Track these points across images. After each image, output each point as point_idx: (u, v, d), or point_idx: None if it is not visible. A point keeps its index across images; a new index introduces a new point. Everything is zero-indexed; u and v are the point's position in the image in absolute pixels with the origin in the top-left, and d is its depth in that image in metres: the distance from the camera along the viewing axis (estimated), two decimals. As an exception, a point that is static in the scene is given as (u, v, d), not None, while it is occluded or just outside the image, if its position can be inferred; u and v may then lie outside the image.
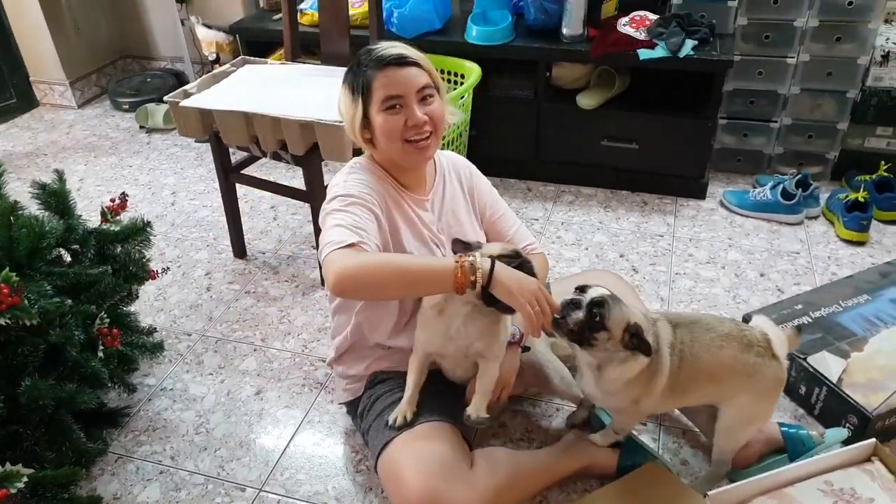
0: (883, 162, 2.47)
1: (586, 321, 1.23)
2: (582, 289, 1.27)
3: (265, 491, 1.54)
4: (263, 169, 2.81)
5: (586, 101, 2.52)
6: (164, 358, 1.92)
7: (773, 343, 1.36)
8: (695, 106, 2.49)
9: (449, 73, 2.57)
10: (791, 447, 1.46)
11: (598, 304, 1.23)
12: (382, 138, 1.35)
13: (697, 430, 1.60)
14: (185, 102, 1.92)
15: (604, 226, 2.46)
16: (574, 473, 1.49)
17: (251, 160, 2.30)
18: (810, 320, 1.77)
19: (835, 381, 1.59)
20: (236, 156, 2.35)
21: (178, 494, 1.54)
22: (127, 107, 3.41)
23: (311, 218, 2.10)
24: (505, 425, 1.67)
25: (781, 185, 2.45)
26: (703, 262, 2.25)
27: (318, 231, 2.08)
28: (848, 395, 1.56)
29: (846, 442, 1.49)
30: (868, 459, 1.42)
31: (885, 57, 2.41)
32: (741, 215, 2.50)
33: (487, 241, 1.52)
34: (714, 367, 1.35)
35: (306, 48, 2.59)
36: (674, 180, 2.60)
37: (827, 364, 1.63)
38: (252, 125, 1.89)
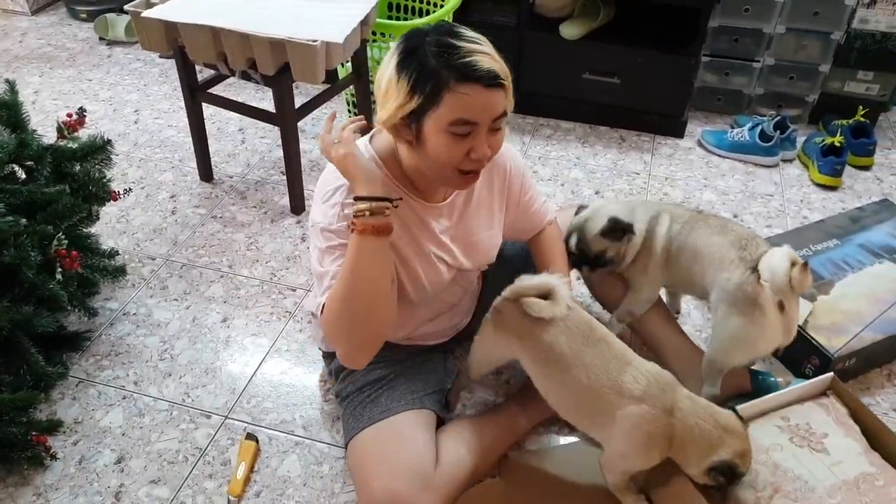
0: (861, 107, 2.46)
1: (592, 266, 1.52)
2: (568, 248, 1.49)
3: (231, 418, 1.53)
4: (232, 89, 2.70)
5: (569, 30, 2.44)
6: (127, 282, 1.87)
7: (763, 259, 1.32)
8: (679, 42, 2.43)
9: (428, -6, 2.46)
10: (757, 393, 1.48)
11: (580, 253, 1.48)
12: (430, 159, 1.11)
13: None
14: (147, 13, 1.80)
15: (581, 161, 2.43)
16: (542, 423, 1.50)
17: (219, 79, 2.19)
18: (780, 263, 1.78)
19: (800, 324, 1.61)
20: (203, 73, 2.24)
21: (141, 420, 1.53)
22: (85, 16, 3.21)
23: (280, 142, 2.02)
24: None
25: (760, 127, 2.43)
26: (677, 201, 2.24)
27: (288, 160, 2.03)
28: (812, 337, 1.58)
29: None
30: (824, 394, 1.45)
31: (874, -2, 2.37)
32: (718, 155, 2.48)
33: (513, 222, 1.44)
34: (698, 245, 1.44)
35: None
36: (653, 117, 2.56)
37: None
38: (220, 41, 1.78)
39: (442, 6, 2.37)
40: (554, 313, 1.23)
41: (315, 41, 1.70)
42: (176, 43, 1.85)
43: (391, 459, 1.25)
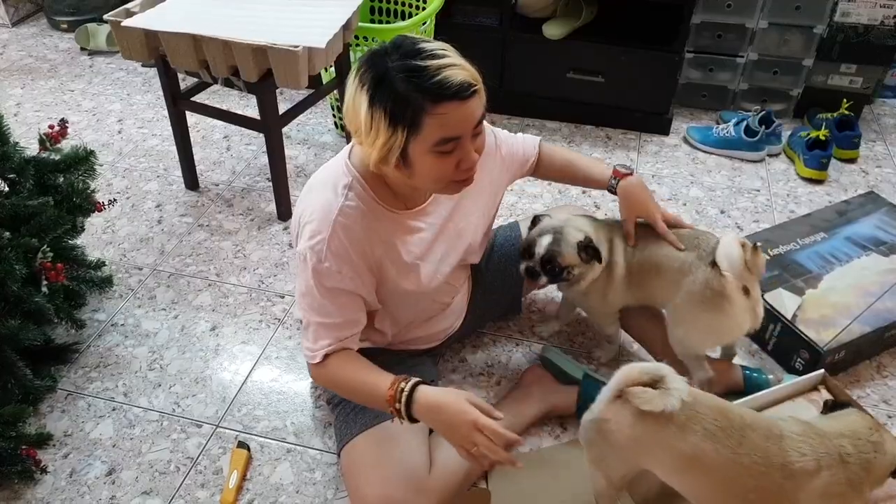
0: (845, 100, 2.47)
1: (550, 277, 1.41)
2: (529, 249, 1.40)
3: (222, 427, 1.52)
4: (216, 96, 2.69)
5: (552, 30, 2.44)
6: (114, 293, 1.85)
7: (718, 252, 1.33)
8: (662, 39, 2.44)
9: (411, -3, 2.46)
10: (750, 391, 1.48)
11: (548, 259, 1.38)
12: (422, 178, 1.11)
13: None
14: (127, 22, 1.79)
15: (567, 161, 2.43)
16: (535, 421, 1.50)
17: (202, 86, 2.18)
18: (768, 258, 1.78)
19: (789, 318, 1.62)
20: (186, 81, 2.23)
21: (131, 431, 1.51)
22: (66, 26, 3.19)
23: (265, 149, 2.01)
24: (465, 360, 1.67)
25: (745, 122, 2.44)
26: (664, 199, 2.25)
27: (273, 167, 2.02)
28: (801, 331, 1.59)
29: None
30: (815, 389, 1.46)
31: (855, -8, 2.39)
32: (704, 152, 2.49)
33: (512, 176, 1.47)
34: (658, 259, 1.41)
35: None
36: (638, 115, 2.57)
37: (783, 301, 1.66)
38: (201, 49, 1.77)
39: (424, 9, 2.37)
40: (666, 406, 1.04)
41: (297, 47, 1.69)
42: (157, 51, 1.84)
43: (384, 465, 1.24)
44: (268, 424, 1.53)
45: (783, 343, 1.64)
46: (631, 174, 1.42)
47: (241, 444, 1.46)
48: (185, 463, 1.45)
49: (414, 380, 1.13)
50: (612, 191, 1.44)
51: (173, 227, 2.10)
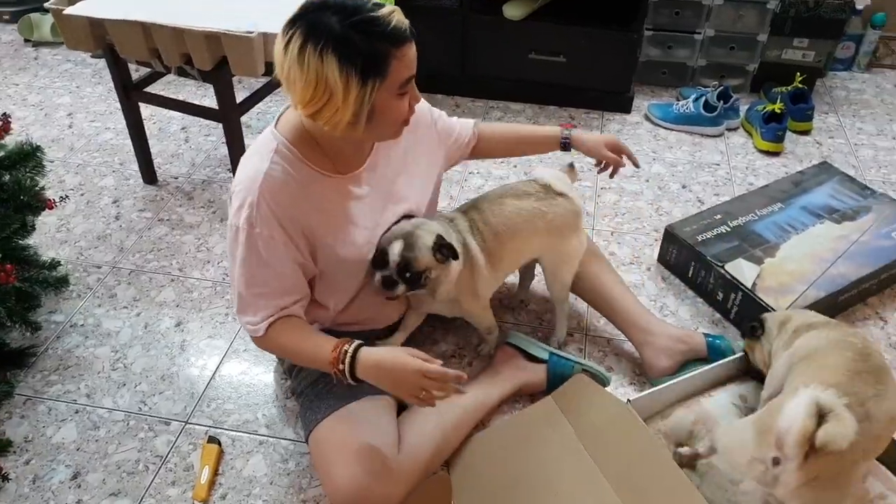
0: (798, 73, 2.52)
1: (408, 284, 1.31)
2: (381, 258, 1.30)
3: (191, 423, 1.49)
4: (170, 86, 2.62)
5: (512, 11, 2.43)
6: (72, 293, 1.80)
7: (552, 184, 1.45)
8: (621, 18, 2.45)
9: (367, -20, 2.42)
10: (714, 357, 1.50)
11: (403, 265, 1.28)
12: (382, 126, 1.15)
13: (622, 337, 1.64)
14: (70, 10, 1.72)
15: (530, 142, 2.43)
16: (506, 398, 1.50)
17: (155, 76, 2.11)
18: (728, 229, 1.81)
19: (749, 287, 1.65)
20: (139, 72, 2.16)
21: (96, 433, 1.47)
22: (7, 17, 3.07)
23: (225, 139, 1.97)
24: (436, 342, 1.67)
25: (704, 98, 2.47)
26: (627, 176, 2.26)
27: (233, 158, 1.98)
28: (760, 299, 1.62)
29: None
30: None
31: (805, -34, 2.42)
32: (665, 128, 2.51)
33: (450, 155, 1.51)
34: (507, 225, 1.42)
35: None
36: (600, 94, 2.58)
37: (742, 270, 1.69)
38: (151, 36, 1.72)
39: (381, -9, 2.34)
40: (848, 432, 1.01)
41: (252, 33, 1.65)
42: (104, 41, 1.78)
43: (353, 448, 1.24)
44: (238, 418, 1.51)
45: (744, 311, 1.67)
46: (573, 126, 1.57)
47: (212, 439, 1.44)
48: (154, 461, 1.42)
49: (357, 342, 1.17)
50: (566, 145, 1.54)
51: (132, 223, 2.05)
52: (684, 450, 1.31)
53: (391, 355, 1.17)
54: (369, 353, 1.16)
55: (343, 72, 1.04)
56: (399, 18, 1.08)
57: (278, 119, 1.24)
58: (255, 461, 1.42)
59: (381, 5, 1.07)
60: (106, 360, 1.63)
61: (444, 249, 1.29)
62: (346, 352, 1.16)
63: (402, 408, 1.40)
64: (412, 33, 1.09)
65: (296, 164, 1.18)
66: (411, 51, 1.09)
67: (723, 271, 1.69)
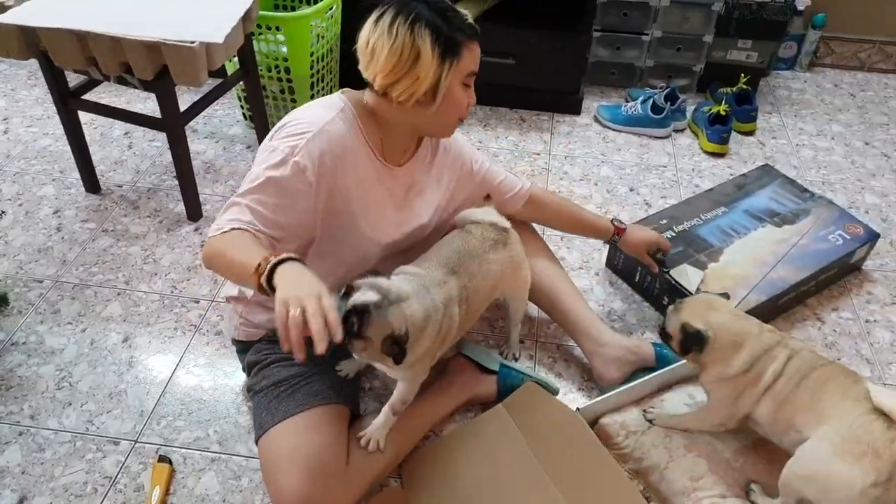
0: (742, 75, 2.58)
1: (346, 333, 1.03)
2: (348, 291, 1.10)
3: (141, 442, 1.47)
4: (111, 91, 2.55)
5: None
6: (13, 309, 1.75)
7: (497, 222, 1.43)
8: (570, 19, 2.47)
9: (315, -19, 2.39)
10: (661, 366, 1.53)
11: (359, 311, 1.07)
12: (443, 113, 1.24)
13: (571, 343, 1.67)
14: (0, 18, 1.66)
15: (483, 145, 2.44)
16: (458, 409, 1.52)
17: (95, 82, 2.06)
18: (674, 234, 1.85)
19: (693, 292, 1.70)
20: (79, 77, 2.10)
21: (42, 455, 1.44)
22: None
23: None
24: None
25: (651, 100, 2.51)
26: (577, 180, 2.30)
27: (179, 167, 1.93)
28: None
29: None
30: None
31: (747, -30, 2.48)
32: (614, 130, 2.55)
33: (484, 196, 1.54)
34: (488, 285, 1.37)
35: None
36: (550, 96, 2.60)
37: (687, 276, 1.73)
38: (88, 45, 1.67)
39: (330, -6, 2.31)
40: None
41: (194, 42, 1.62)
42: (37, 48, 1.72)
43: (301, 455, 1.24)
44: (189, 435, 1.49)
45: None
46: (625, 229, 1.66)
47: (163, 458, 1.42)
48: (102, 483, 1.40)
49: (288, 254, 1.05)
50: (614, 242, 1.68)
51: (74, 235, 1.99)
52: None
53: (307, 270, 1.04)
54: (294, 263, 1.03)
55: (431, 44, 1.15)
56: (471, 20, 1.23)
57: (343, 90, 1.32)
58: (207, 479, 1.41)
59: (456, 5, 1.23)
60: (50, 379, 1.59)
61: (395, 347, 1.11)
62: (273, 258, 1.03)
63: (355, 417, 1.41)
64: (479, 35, 1.23)
65: (356, 130, 1.27)
66: (478, 48, 1.24)
67: (668, 276, 1.74)
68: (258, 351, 1.43)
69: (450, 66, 1.18)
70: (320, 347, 0.94)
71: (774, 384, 1.21)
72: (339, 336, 0.97)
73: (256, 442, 1.34)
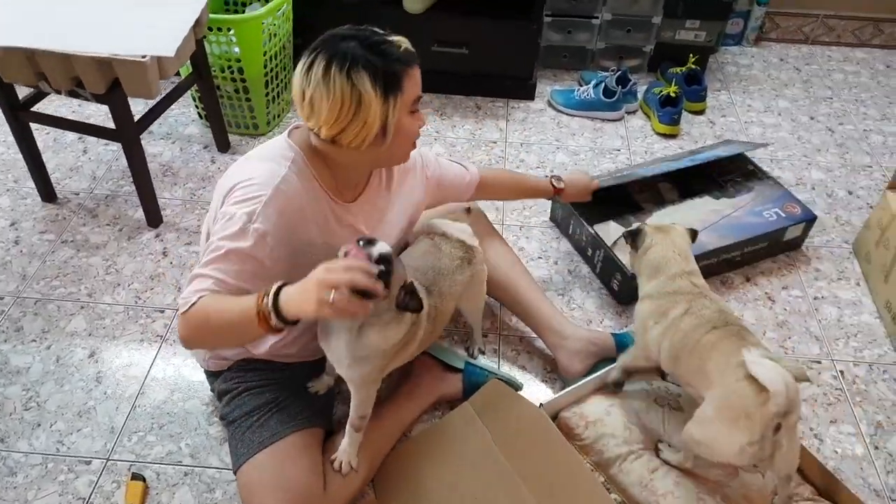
0: (692, 55, 2.64)
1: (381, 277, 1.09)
2: (369, 241, 1.11)
3: (113, 460, 1.50)
4: (64, 100, 2.49)
5: (412, 5, 2.43)
6: (-25, 330, 1.75)
7: (465, 240, 1.46)
8: (521, 6, 2.48)
9: (263, -23, 2.36)
10: (621, 353, 1.56)
11: (385, 259, 1.10)
12: (396, 145, 1.22)
13: (533, 335, 1.72)
14: (-57, 37, 1.63)
15: (441, 135, 2.47)
16: (427, 410, 1.57)
17: (45, 93, 2.02)
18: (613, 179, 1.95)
19: (609, 245, 1.82)
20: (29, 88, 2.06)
21: (13, 479, 1.46)
22: None
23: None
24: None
25: (603, 83, 2.55)
26: (533, 167, 2.34)
27: (136, 176, 1.92)
28: (616, 257, 1.79)
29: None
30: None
31: (692, -48, 2.52)
32: (567, 114, 2.59)
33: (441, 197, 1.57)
34: (452, 302, 1.44)
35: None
36: (505, 82, 2.63)
37: (609, 231, 1.86)
38: (37, 62, 1.64)
39: (279, -10, 2.29)
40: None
41: (144, 57, 1.61)
42: (-16, 66, 1.69)
43: (281, 484, 1.27)
44: (161, 449, 1.52)
45: (605, 267, 1.86)
46: (563, 188, 1.74)
47: (136, 476, 1.45)
48: None
49: (279, 283, 1.07)
50: (556, 198, 1.77)
51: (33, 247, 1.98)
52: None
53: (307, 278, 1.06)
54: (290, 285, 1.06)
55: (372, 87, 1.12)
56: (406, 45, 1.19)
57: (290, 132, 1.29)
58: (182, 494, 1.44)
59: (390, 34, 1.18)
60: (17, 400, 1.60)
61: (410, 296, 1.16)
62: (268, 293, 1.06)
63: (329, 434, 1.44)
64: (416, 58, 1.20)
65: (309, 178, 1.24)
66: (418, 72, 1.19)
67: (591, 230, 1.86)
68: (228, 379, 1.44)
69: (395, 101, 1.15)
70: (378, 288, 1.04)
71: (669, 331, 1.34)
72: (375, 270, 1.04)
73: (234, 472, 1.35)
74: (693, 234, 1.50)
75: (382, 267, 1.06)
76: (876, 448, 1.57)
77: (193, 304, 1.12)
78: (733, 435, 1.19)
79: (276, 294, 1.05)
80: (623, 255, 1.75)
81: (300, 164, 1.24)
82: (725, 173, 2.10)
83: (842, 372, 1.73)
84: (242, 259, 1.16)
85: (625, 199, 1.98)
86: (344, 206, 1.31)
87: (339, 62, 1.11)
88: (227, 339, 1.22)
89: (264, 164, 1.22)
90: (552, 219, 2.11)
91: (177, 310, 1.77)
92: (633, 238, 1.49)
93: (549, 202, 2.11)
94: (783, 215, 1.95)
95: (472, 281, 1.49)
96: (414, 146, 1.29)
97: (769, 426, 1.16)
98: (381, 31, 1.18)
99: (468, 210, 1.63)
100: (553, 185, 1.73)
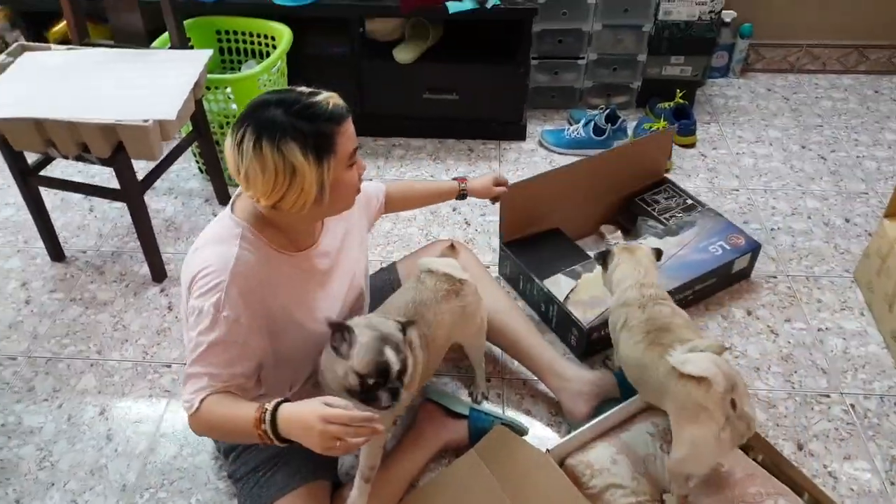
0: (678, 89, 2.71)
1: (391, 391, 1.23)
2: (383, 372, 1.21)
3: (126, 516, 1.53)
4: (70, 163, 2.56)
5: (403, 55, 2.51)
6: (-12, 391, 1.79)
7: (452, 273, 1.51)
8: (508, 51, 2.56)
9: (258, 35, 2.45)
10: (624, 391, 1.60)
11: (403, 368, 1.24)
12: (339, 198, 1.24)
13: (535, 378, 1.75)
14: (-46, 112, 1.70)
15: (434, 178, 2.53)
16: (432, 459, 1.58)
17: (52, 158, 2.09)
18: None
19: (562, 300, 1.82)
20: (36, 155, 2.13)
21: (30, 539, 1.49)
22: None
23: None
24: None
25: (592, 122, 2.62)
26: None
27: (140, 234, 1.98)
28: (570, 312, 1.80)
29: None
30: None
31: (672, -7, 2.60)
32: (559, 153, 2.65)
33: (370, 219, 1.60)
34: (443, 335, 1.49)
35: (96, 14, 2.34)
36: (495, 125, 2.70)
37: (559, 285, 1.86)
38: (45, 130, 1.71)
39: (275, 47, 2.37)
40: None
41: (147, 121, 1.68)
42: (-6, 135, 1.77)
43: None
44: (172, 505, 1.55)
45: (560, 321, 1.87)
46: (465, 179, 1.77)
47: (148, 532, 1.48)
48: (92, 560, 1.45)
49: (277, 400, 1.13)
50: (463, 196, 1.76)
51: (43, 306, 2.03)
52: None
53: (298, 407, 1.11)
54: (288, 408, 1.11)
55: (303, 155, 1.13)
56: (335, 101, 1.19)
57: (233, 205, 1.29)
58: (194, 548, 1.47)
59: (317, 93, 1.19)
60: (31, 460, 1.64)
61: (386, 394, 1.22)
62: (266, 410, 1.11)
63: (336, 487, 1.46)
64: (348, 111, 1.20)
65: (262, 247, 1.25)
66: (350, 126, 1.20)
67: (541, 285, 1.87)
68: None
69: (328, 163, 1.16)
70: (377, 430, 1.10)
71: (618, 346, 1.48)
72: (375, 416, 1.11)
73: None
74: (658, 253, 1.63)
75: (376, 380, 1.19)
76: (892, 484, 1.54)
77: (197, 408, 1.18)
78: (702, 430, 1.25)
79: (274, 413, 1.10)
80: (576, 309, 1.79)
81: (249, 237, 1.24)
82: (665, 211, 2.14)
83: (852, 406, 1.71)
84: (224, 348, 1.19)
85: (570, 248, 2.01)
86: (304, 253, 1.33)
87: (268, 136, 1.12)
88: (236, 440, 1.37)
89: (216, 249, 1.22)
90: (501, 274, 2.09)
91: (184, 363, 1.84)
92: (604, 258, 1.62)
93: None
94: (728, 248, 1.97)
95: (465, 312, 1.52)
96: (358, 191, 1.30)
97: (726, 406, 1.24)
98: (307, 91, 1.19)
99: (452, 247, 1.70)
100: (458, 185, 1.75)
